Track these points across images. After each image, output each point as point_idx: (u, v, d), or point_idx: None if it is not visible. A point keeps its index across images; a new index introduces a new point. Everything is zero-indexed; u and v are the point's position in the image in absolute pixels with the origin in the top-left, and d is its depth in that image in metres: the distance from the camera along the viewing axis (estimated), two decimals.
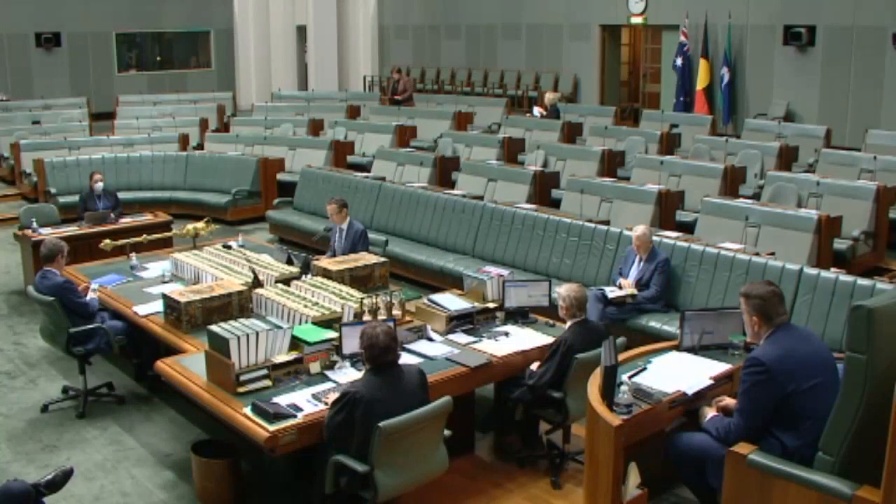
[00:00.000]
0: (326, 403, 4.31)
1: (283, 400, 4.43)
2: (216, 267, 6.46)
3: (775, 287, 4.13)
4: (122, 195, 9.97)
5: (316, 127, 14.77)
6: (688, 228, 8.43)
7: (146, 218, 9.09)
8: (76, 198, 10.52)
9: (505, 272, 6.02)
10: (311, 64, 22.39)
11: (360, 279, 6.30)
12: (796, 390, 3.83)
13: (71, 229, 8.55)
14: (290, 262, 6.58)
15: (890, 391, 3.26)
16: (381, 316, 5.30)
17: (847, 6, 13.73)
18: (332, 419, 4.13)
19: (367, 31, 23.05)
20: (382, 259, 6.70)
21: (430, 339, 5.32)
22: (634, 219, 7.97)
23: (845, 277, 5.89)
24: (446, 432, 4.31)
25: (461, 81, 20.60)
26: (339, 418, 4.09)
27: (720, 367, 4.74)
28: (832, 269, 6.27)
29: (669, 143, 12.24)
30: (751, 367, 3.92)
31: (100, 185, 9.34)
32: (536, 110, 15.06)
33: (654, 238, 6.96)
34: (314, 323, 5.19)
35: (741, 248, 6.89)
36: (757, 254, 6.76)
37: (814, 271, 6.10)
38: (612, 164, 10.91)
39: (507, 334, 5.43)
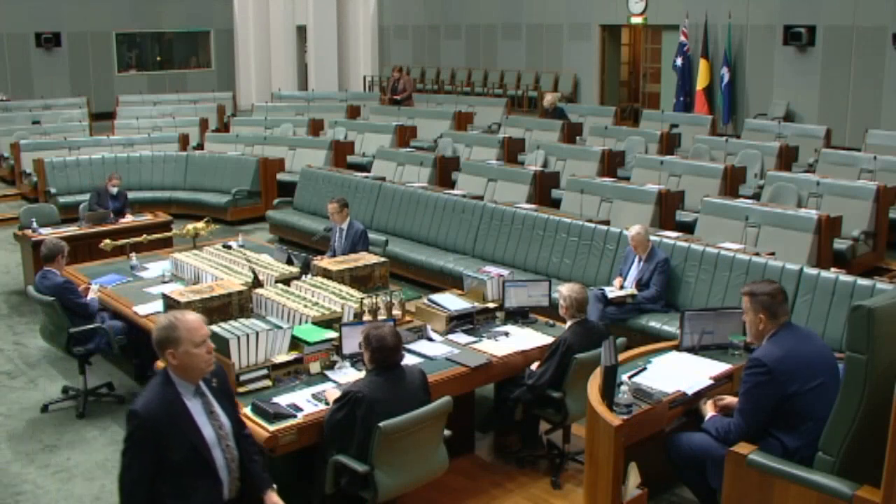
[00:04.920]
0: (328, 403, 4.31)
1: (283, 400, 4.43)
2: (216, 267, 6.45)
3: (779, 285, 4.13)
4: None
5: (316, 127, 14.77)
6: (688, 228, 8.43)
7: (146, 218, 9.09)
8: (76, 198, 10.56)
9: (505, 272, 6.02)
10: (311, 64, 22.40)
11: (360, 279, 6.30)
12: (798, 391, 3.82)
13: (71, 229, 8.55)
14: (290, 262, 6.58)
15: (890, 391, 3.26)
16: (381, 316, 5.30)
17: (847, 6, 13.73)
18: (333, 416, 4.13)
19: (367, 31, 23.06)
20: (382, 259, 6.69)
21: (430, 339, 5.32)
22: (634, 219, 7.97)
23: (845, 277, 5.89)
24: (446, 432, 4.31)
25: (461, 81, 20.61)
26: (339, 415, 4.09)
27: (720, 367, 4.74)
28: (832, 269, 6.26)
29: (669, 143, 12.24)
30: (752, 367, 3.91)
31: (115, 190, 9.44)
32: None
33: (654, 238, 6.96)
34: (314, 323, 5.19)
35: (741, 248, 6.89)
36: (757, 254, 6.76)
37: (814, 271, 6.10)
38: (612, 164, 10.91)
39: (507, 334, 5.43)
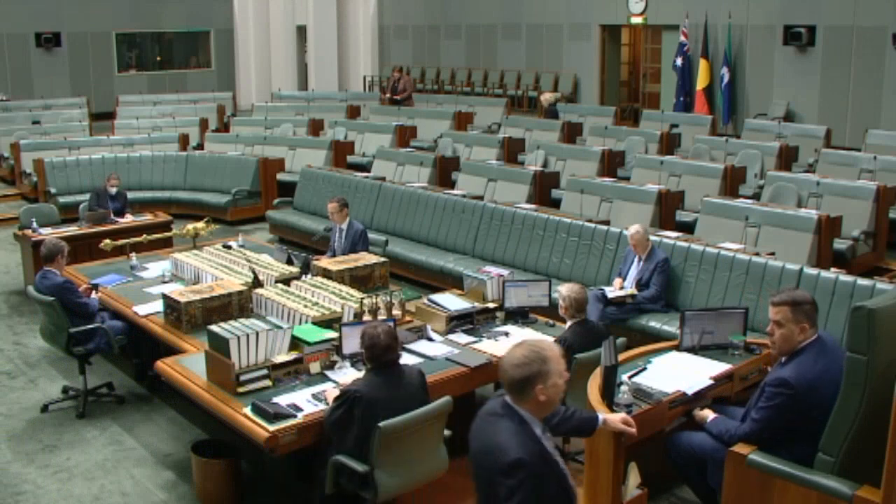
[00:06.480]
0: (328, 403, 4.31)
1: (283, 400, 4.43)
2: (216, 267, 6.45)
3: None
4: None
5: (316, 127, 14.77)
6: (688, 228, 8.43)
7: (146, 218, 9.09)
8: (76, 198, 10.55)
9: (505, 272, 6.02)
10: (311, 64, 22.40)
11: (360, 279, 6.30)
12: (818, 415, 3.72)
13: (71, 229, 8.55)
14: (290, 262, 6.58)
15: (890, 391, 3.26)
16: (381, 316, 5.30)
17: (847, 6, 13.73)
18: (332, 413, 4.15)
19: (367, 31, 23.06)
20: (382, 259, 6.70)
21: (430, 339, 5.32)
22: (634, 219, 7.96)
23: (845, 277, 5.89)
24: (446, 432, 4.31)
25: (461, 81, 20.61)
26: (339, 412, 4.10)
27: (720, 367, 4.74)
28: (832, 269, 6.26)
29: (669, 143, 12.24)
30: (779, 386, 3.81)
31: (114, 190, 9.43)
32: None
33: (654, 238, 6.96)
34: (314, 323, 5.19)
35: (741, 248, 6.88)
36: (757, 254, 6.76)
37: (814, 271, 6.10)
38: (612, 164, 10.91)
39: (507, 334, 5.44)
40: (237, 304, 5.70)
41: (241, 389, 4.52)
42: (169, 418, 5.92)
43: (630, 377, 4.46)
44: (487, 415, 2.89)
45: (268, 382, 4.62)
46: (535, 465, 2.72)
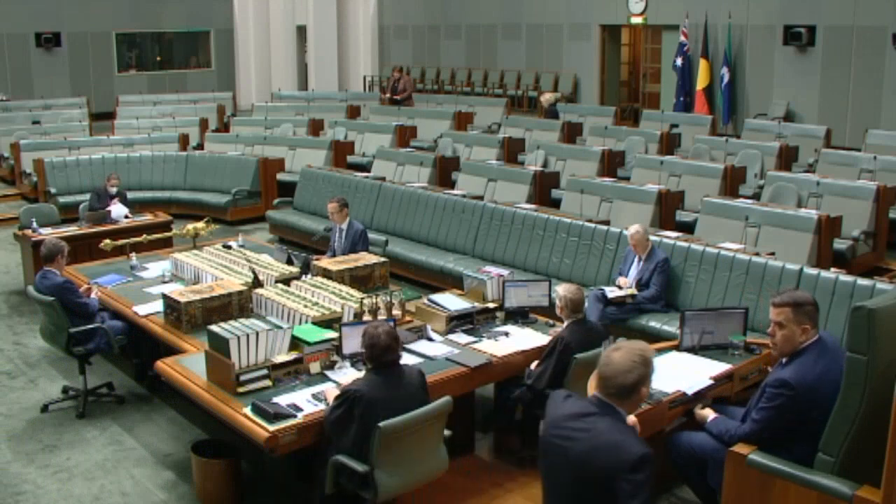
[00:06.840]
0: (328, 403, 4.31)
1: (283, 400, 4.43)
2: (216, 267, 6.45)
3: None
4: None
5: (316, 127, 14.77)
6: (688, 228, 8.43)
7: (146, 218, 9.09)
8: (76, 198, 10.55)
9: (505, 272, 6.02)
10: (311, 64, 22.40)
11: (360, 279, 6.30)
12: (820, 416, 3.71)
13: (71, 229, 8.55)
14: (290, 262, 6.58)
15: (890, 391, 3.26)
16: (381, 316, 5.30)
17: (847, 6, 13.74)
18: (332, 412, 4.15)
19: (367, 31, 23.06)
20: (382, 259, 6.70)
21: (430, 339, 5.32)
22: (634, 219, 7.96)
23: (845, 277, 5.89)
24: (446, 432, 4.31)
25: (461, 81, 20.62)
26: (339, 411, 4.11)
27: (720, 367, 4.74)
28: (832, 269, 6.26)
29: (669, 143, 12.25)
30: (779, 387, 3.80)
31: (114, 190, 9.42)
32: None
33: (654, 238, 6.96)
34: (314, 323, 5.19)
35: (741, 248, 6.88)
36: (757, 254, 6.76)
37: (814, 271, 6.10)
38: (612, 164, 10.91)
39: (507, 334, 5.43)
40: (237, 304, 5.70)
41: (241, 389, 4.52)
42: (169, 418, 5.92)
43: None
44: (580, 416, 2.89)
45: (268, 382, 4.62)
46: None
